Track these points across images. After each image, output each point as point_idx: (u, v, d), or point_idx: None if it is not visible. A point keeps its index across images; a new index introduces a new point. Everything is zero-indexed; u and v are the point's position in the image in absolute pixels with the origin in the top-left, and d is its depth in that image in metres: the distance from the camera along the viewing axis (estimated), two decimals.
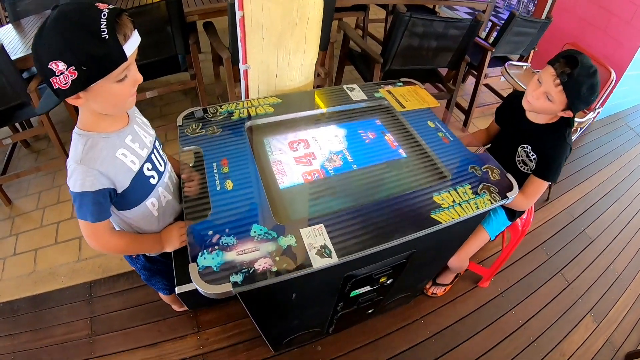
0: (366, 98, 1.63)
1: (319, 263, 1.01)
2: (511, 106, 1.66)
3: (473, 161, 1.36)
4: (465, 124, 3.22)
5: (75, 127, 1.04)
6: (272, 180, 1.27)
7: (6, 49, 2.14)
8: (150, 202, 1.19)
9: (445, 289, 2.21)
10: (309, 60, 1.68)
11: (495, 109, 1.81)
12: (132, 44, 0.92)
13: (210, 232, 1.05)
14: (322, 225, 1.09)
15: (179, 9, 2.38)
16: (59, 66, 0.84)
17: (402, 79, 1.79)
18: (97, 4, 0.87)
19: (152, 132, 1.24)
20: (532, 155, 1.53)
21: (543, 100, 1.42)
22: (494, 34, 3.63)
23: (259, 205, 1.14)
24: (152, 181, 1.18)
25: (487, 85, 3.44)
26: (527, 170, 1.57)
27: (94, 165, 1.00)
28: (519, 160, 1.60)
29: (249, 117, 1.45)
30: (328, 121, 1.55)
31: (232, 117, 1.43)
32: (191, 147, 1.32)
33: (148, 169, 1.16)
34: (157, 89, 2.71)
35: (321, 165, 1.34)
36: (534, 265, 2.53)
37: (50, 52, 0.83)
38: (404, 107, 1.60)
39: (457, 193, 1.24)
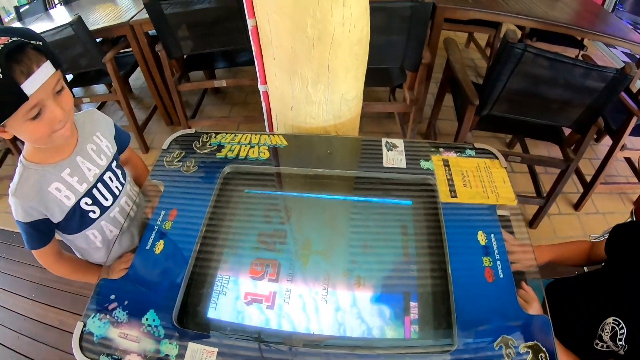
0: (404, 167, 1.18)
1: None
2: (630, 245, 1.04)
3: (511, 327, 0.85)
4: (581, 201, 2.49)
5: (21, 155, 1.03)
6: (207, 259, 1.01)
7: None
8: (91, 233, 1.15)
9: None
10: (340, 96, 1.27)
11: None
12: (36, 80, 0.84)
13: (113, 296, 0.94)
14: (216, 350, 0.84)
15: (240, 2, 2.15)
16: None
17: (477, 146, 1.28)
18: None
19: (104, 162, 1.13)
20: (622, 343, 0.93)
21: None
22: None
23: (168, 289, 0.93)
24: (92, 215, 1.12)
25: (628, 160, 2.64)
26: (603, 348, 0.97)
27: (24, 200, 0.99)
28: (599, 336, 0.99)
29: (236, 159, 1.16)
30: (332, 186, 1.18)
31: (217, 154, 1.17)
32: (157, 181, 1.14)
33: (87, 203, 1.10)
34: (226, 79, 2.61)
35: (283, 257, 1.02)
36: None
37: None
38: (455, 197, 1.09)
39: None
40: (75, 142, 1.08)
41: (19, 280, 2.66)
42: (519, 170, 2.68)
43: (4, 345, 2.35)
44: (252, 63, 2.60)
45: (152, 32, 2.63)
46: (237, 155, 1.17)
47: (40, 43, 0.87)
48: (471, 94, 1.86)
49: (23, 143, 1.01)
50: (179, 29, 2.31)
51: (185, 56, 2.72)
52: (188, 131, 1.25)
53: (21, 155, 1.03)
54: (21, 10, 4.19)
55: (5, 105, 0.83)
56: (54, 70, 0.88)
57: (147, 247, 1.01)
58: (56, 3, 4.28)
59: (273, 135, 1.22)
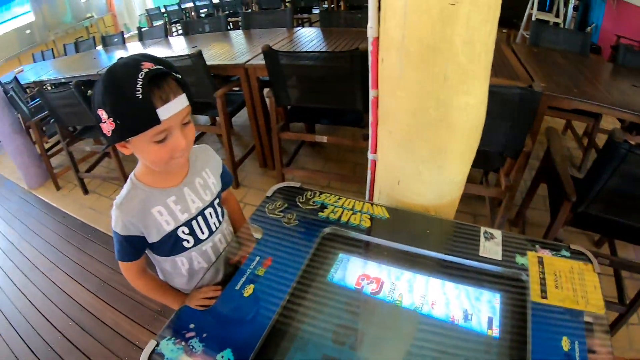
0: (500, 259, 1.13)
1: None
2: None
3: None
4: None
5: (132, 173, 1.09)
6: (293, 313, 1.01)
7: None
8: (180, 260, 1.19)
9: None
10: (448, 178, 1.28)
11: None
12: (171, 108, 0.91)
13: (192, 325, 0.96)
14: None
15: (363, 63, 2.17)
16: (102, 114, 0.89)
17: (573, 247, 1.21)
18: (142, 63, 0.88)
19: (208, 198, 1.18)
20: None
21: None
22: None
23: (250, 334, 0.94)
24: (186, 244, 1.16)
25: None
26: None
27: (126, 215, 1.04)
28: None
29: (337, 222, 1.18)
30: (425, 266, 1.16)
31: (319, 213, 1.20)
32: (256, 225, 1.19)
33: (184, 232, 1.14)
34: (328, 136, 2.67)
35: (368, 329, 1.01)
36: None
37: (97, 100, 0.90)
38: (545, 298, 1.04)
39: None
40: (186, 173, 1.13)
41: (87, 273, 2.82)
42: (602, 271, 2.52)
43: (55, 327, 2.46)
44: (353, 124, 2.71)
45: (263, 77, 2.78)
46: (339, 218, 1.20)
47: (180, 77, 0.94)
48: (569, 190, 1.79)
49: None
50: (290, 79, 2.43)
51: (289, 106, 2.84)
52: (293, 184, 1.30)
53: (132, 173, 1.09)
54: (142, 30, 4.68)
55: (138, 124, 0.89)
56: (187, 103, 0.95)
57: (237, 288, 1.03)
58: (174, 32, 4.80)
59: (376, 205, 1.24)
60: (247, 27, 4.10)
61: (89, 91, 3.78)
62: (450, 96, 1.12)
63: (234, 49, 3.31)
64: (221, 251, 1.24)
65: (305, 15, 7.56)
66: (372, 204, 1.24)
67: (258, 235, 1.17)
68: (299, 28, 3.84)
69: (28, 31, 10.00)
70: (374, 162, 1.35)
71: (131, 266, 1.13)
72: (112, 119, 0.88)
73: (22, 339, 2.49)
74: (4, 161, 5.50)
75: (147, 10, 10.55)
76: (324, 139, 2.60)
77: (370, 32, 1.20)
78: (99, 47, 5.46)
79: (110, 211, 1.06)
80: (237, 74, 2.82)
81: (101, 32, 11.07)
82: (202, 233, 1.18)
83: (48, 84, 4.21)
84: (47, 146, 4.15)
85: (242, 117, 3.95)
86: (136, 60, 0.89)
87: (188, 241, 1.15)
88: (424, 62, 1.09)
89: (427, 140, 1.19)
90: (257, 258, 1.10)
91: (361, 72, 2.20)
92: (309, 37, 3.39)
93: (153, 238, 1.09)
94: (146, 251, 1.16)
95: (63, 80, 4.02)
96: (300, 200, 1.25)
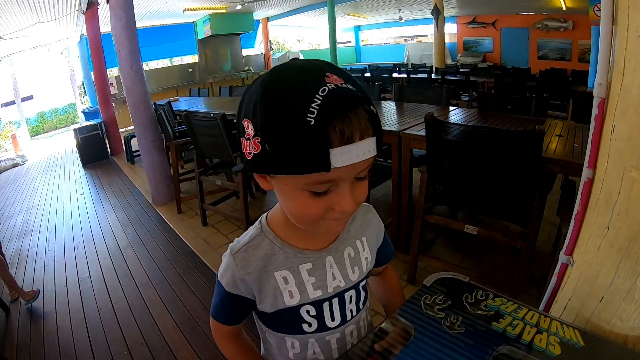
0: None
1: None
2: None
3: None
4: None
5: (265, 215, 0.84)
6: None
7: None
8: (291, 341, 0.87)
9: None
10: None
11: None
12: (351, 153, 0.58)
13: None
14: None
15: (539, 147, 1.85)
16: (248, 128, 0.62)
17: None
18: (328, 74, 0.59)
19: (355, 277, 0.87)
20: None
21: None
22: None
23: None
24: (306, 327, 0.85)
25: None
26: None
27: (240, 267, 0.78)
28: None
29: (516, 340, 0.83)
30: None
31: (493, 323, 0.88)
32: (405, 321, 0.88)
33: (309, 313, 0.83)
34: (480, 227, 2.28)
35: None
36: None
37: (246, 106, 0.63)
38: None
39: None
40: (336, 237, 0.84)
41: (178, 303, 2.77)
42: None
43: (124, 339, 2.46)
44: (512, 219, 2.31)
45: (416, 151, 2.60)
46: (520, 335, 0.85)
47: (375, 110, 0.62)
48: None
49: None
50: (451, 156, 2.15)
51: (437, 186, 2.57)
52: (460, 277, 1.01)
53: (264, 216, 0.84)
54: None
55: (297, 162, 0.58)
56: (374, 152, 0.62)
57: None
58: None
59: (568, 327, 0.88)
60: (400, 99, 4.04)
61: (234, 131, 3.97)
62: None
63: (384, 117, 3.23)
64: (348, 347, 0.90)
65: (453, 100, 7.65)
66: (561, 323, 0.88)
67: (406, 334, 0.86)
68: (454, 108, 3.58)
69: (190, 70, 11.74)
70: (566, 265, 1.01)
71: (222, 328, 0.89)
72: (259, 139, 0.60)
73: (88, 332, 2.56)
74: (138, 172, 6.17)
75: None
76: (475, 230, 2.18)
77: (598, 91, 0.91)
78: None
79: (223, 253, 0.82)
80: (388, 141, 2.64)
81: None
82: (332, 320, 0.86)
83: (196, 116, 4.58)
84: (180, 171, 4.41)
85: (378, 191, 3.84)
86: (319, 68, 0.61)
87: (310, 324, 0.85)
88: None
89: None
90: None
91: (535, 158, 1.89)
92: (467, 117, 3.15)
93: (265, 307, 0.82)
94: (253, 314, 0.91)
95: (212, 115, 4.32)
96: (469, 300, 0.94)
